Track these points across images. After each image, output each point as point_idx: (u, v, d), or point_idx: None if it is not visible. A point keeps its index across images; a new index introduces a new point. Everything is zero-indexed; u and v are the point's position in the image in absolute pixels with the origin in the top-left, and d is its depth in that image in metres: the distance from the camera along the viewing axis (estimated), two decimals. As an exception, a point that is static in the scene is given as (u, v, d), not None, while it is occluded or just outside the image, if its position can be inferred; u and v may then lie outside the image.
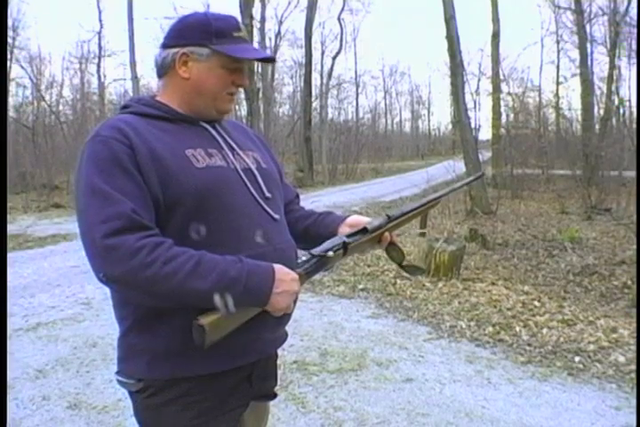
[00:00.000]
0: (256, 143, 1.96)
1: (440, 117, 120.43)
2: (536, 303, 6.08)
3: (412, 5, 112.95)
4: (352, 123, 42.13)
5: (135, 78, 23.33)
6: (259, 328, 1.66)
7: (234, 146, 1.78)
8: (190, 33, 1.68)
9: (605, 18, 23.45)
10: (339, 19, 35.10)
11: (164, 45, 1.73)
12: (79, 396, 3.98)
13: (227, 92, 1.73)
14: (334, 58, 34.90)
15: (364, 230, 1.83)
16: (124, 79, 31.72)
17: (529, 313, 5.73)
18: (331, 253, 1.69)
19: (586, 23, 22.75)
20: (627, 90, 27.04)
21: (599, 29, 24.30)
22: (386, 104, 63.01)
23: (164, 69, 1.73)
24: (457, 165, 15.83)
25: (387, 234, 1.90)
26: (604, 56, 23.80)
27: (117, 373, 1.72)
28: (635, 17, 20.64)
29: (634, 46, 22.51)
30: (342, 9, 34.98)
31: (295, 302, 1.63)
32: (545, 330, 5.20)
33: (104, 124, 1.61)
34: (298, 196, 2.14)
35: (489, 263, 8.62)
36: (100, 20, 30.90)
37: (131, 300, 1.60)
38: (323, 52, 39.89)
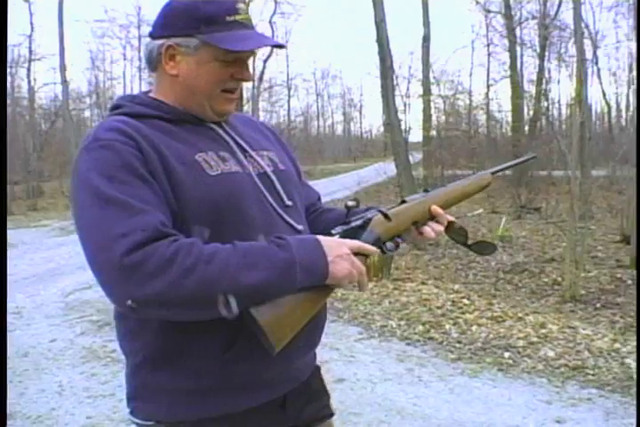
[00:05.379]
0: (269, 138, 1.69)
1: (372, 120, 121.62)
2: (465, 301, 6.14)
3: (343, 9, 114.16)
4: (284, 126, 42.12)
5: (65, 82, 22.80)
6: (290, 356, 1.44)
7: (245, 147, 1.52)
8: (176, 20, 1.40)
9: (535, 21, 23.97)
10: (270, 22, 35.04)
11: (151, 35, 1.47)
12: (13, 406, 3.89)
13: (222, 89, 1.44)
14: (265, 61, 34.63)
15: (402, 202, 1.59)
16: (55, 83, 30.85)
17: (458, 311, 5.78)
18: (371, 214, 1.51)
19: (516, 27, 23.21)
20: (556, 92, 27.72)
21: (529, 33, 24.82)
22: (318, 107, 63.21)
23: (152, 64, 1.47)
24: (388, 167, 15.98)
25: (438, 209, 1.59)
26: (533, 59, 24.30)
27: (131, 413, 1.48)
28: (563, 20, 21.29)
29: (563, 49, 23.14)
30: (274, 12, 34.77)
31: (365, 273, 1.38)
32: (474, 327, 5.24)
33: (99, 128, 1.37)
34: (320, 198, 1.86)
35: (419, 263, 8.70)
36: (32, 24, 30.06)
37: (165, 320, 1.32)
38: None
